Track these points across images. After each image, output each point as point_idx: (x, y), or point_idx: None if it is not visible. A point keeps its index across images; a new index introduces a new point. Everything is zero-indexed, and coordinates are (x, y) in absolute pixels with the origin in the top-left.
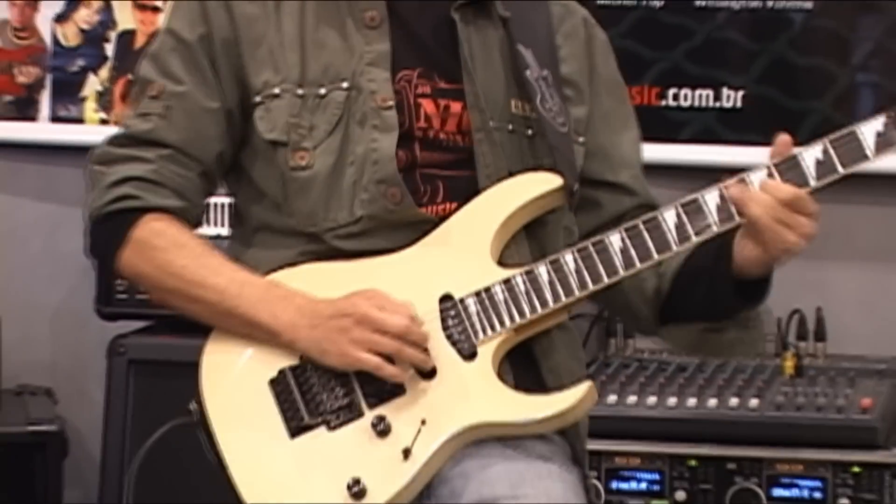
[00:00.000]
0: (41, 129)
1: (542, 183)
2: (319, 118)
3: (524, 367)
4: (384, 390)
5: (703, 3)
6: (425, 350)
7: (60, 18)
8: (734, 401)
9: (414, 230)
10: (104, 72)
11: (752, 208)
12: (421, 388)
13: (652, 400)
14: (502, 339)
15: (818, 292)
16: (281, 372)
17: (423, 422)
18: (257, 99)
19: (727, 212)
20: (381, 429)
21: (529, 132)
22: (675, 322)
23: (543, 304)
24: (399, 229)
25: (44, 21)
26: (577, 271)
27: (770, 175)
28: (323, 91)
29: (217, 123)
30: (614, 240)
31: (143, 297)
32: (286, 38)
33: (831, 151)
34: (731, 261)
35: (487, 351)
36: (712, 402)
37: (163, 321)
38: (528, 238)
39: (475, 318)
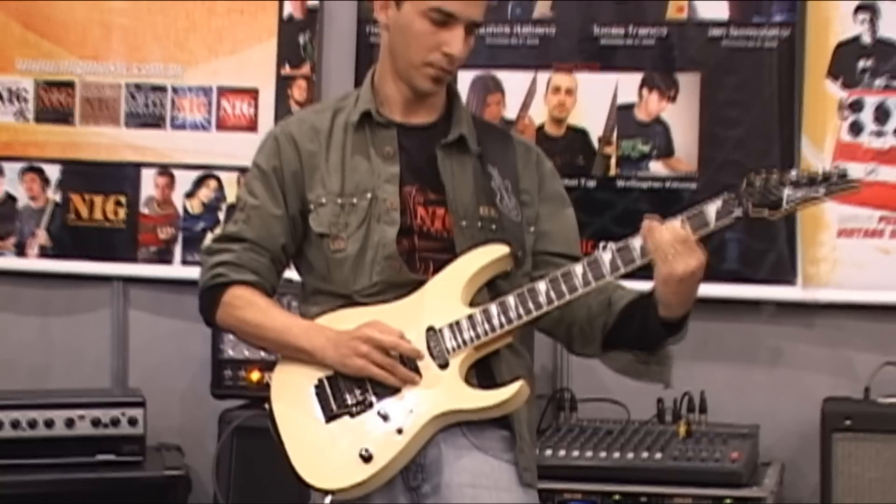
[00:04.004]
0: (175, 270)
1: (493, 251)
2: (352, 218)
3: (486, 378)
4: (387, 390)
5: (623, 185)
6: (414, 364)
7: (188, 195)
8: (645, 454)
9: (411, 289)
10: (218, 230)
11: (648, 242)
12: (410, 388)
13: (590, 454)
14: (466, 353)
15: (702, 380)
16: (319, 380)
17: (411, 410)
18: (311, 207)
19: (616, 264)
20: (384, 414)
21: (494, 227)
22: (614, 349)
23: (493, 329)
24: (401, 289)
25: (177, 197)
26: (515, 306)
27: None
28: (355, 200)
29: (281, 225)
30: (541, 286)
31: (243, 384)
32: (332, 165)
33: (687, 224)
34: (657, 307)
35: (456, 362)
36: (630, 455)
37: (256, 400)
38: (494, 289)
39: (448, 341)
